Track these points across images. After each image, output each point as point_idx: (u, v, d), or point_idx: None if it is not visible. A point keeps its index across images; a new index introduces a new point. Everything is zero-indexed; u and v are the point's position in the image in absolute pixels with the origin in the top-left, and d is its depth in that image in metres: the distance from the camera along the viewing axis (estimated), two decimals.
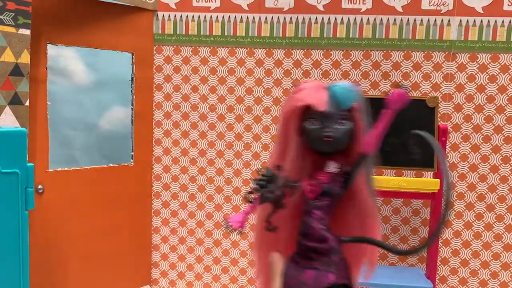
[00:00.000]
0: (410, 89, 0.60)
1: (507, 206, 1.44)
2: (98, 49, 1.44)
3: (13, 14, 1.09)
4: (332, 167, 0.60)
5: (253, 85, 1.50)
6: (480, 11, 1.40)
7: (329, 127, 0.58)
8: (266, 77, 1.50)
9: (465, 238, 1.46)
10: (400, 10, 1.42)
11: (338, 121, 0.58)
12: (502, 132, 1.42)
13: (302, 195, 0.61)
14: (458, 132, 1.44)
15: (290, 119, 0.61)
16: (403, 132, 1.28)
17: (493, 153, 1.43)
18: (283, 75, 1.49)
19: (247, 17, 1.48)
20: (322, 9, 1.45)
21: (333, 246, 0.57)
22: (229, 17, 1.49)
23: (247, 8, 1.48)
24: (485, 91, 1.42)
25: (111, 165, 1.46)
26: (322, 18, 1.46)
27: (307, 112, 0.60)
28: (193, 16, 1.50)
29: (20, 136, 0.87)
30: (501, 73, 1.41)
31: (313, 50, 1.47)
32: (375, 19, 1.44)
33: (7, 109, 1.09)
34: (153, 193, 1.56)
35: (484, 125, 1.43)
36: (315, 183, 0.59)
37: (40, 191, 1.29)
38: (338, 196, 0.60)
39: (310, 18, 1.46)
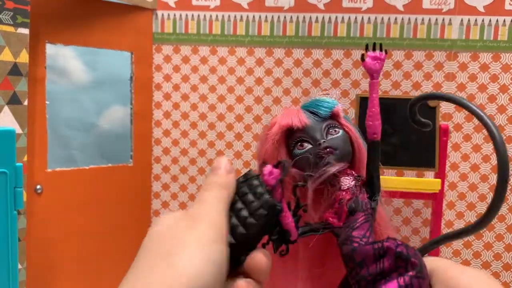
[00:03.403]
0: (382, 46, 0.43)
1: (508, 207, 1.43)
2: (97, 48, 1.43)
3: (12, 13, 1.09)
4: (346, 181, 0.47)
5: (253, 84, 1.50)
6: (482, 10, 1.39)
7: (323, 140, 0.47)
8: (266, 76, 1.49)
9: (466, 238, 1.46)
10: (401, 9, 1.42)
11: (329, 131, 0.48)
12: (504, 132, 1.41)
13: (327, 237, 0.48)
14: (460, 132, 1.43)
15: (274, 156, 0.49)
16: (404, 132, 1.27)
17: (494, 153, 1.42)
18: (283, 75, 1.48)
19: (247, 16, 1.48)
20: (322, 8, 1.45)
21: (401, 251, 0.42)
22: (229, 16, 1.48)
23: (247, 7, 1.47)
24: (487, 91, 1.41)
25: (110, 165, 1.45)
26: (323, 17, 1.45)
27: (291, 140, 0.49)
28: (192, 15, 1.49)
29: (9, 136, 0.86)
30: (502, 73, 1.40)
31: (314, 49, 1.46)
32: (376, 18, 1.43)
33: (6, 108, 1.09)
34: (153, 193, 1.56)
35: None
36: (337, 206, 0.47)
37: (39, 191, 1.28)
38: (372, 210, 0.48)
39: (310, 17, 1.45)
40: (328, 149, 0.47)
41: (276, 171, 0.39)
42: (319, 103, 0.49)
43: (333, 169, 0.47)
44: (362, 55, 0.46)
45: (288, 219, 0.41)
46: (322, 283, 0.50)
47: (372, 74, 0.46)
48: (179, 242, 0.32)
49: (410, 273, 0.41)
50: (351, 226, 0.46)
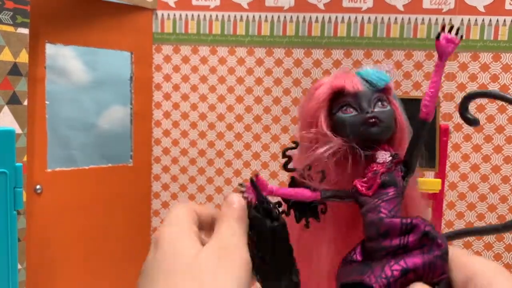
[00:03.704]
0: (462, 33, 0.42)
1: (508, 207, 1.43)
2: (97, 48, 1.43)
3: (12, 13, 1.09)
4: (384, 156, 0.47)
5: (253, 84, 1.50)
6: (482, 10, 1.39)
7: (371, 109, 0.47)
8: (266, 76, 1.49)
9: (467, 238, 1.45)
10: (401, 9, 1.42)
11: (377, 103, 0.48)
12: (504, 132, 1.41)
13: (350, 207, 0.48)
14: (460, 132, 1.43)
15: (316, 115, 0.48)
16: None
17: (494, 153, 1.42)
18: (283, 75, 1.48)
19: (247, 16, 1.47)
20: (322, 7, 1.45)
21: (429, 230, 0.42)
22: (229, 16, 1.48)
23: (247, 7, 1.47)
24: None
25: (110, 165, 1.45)
26: (323, 17, 1.45)
27: (336, 102, 0.49)
28: (192, 15, 1.49)
29: (8, 136, 0.86)
30: (502, 73, 1.40)
31: (314, 49, 1.46)
32: (376, 18, 1.43)
33: (5, 108, 1.09)
34: (152, 193, 1.55)
35: (485, 125, 1.42)
36: (370, 176, 0.46)
37: (39, 191, 1.28)
38: (402, 188, 0.47)
39: (310, 17, 1.45)
40: (373, 119, 0.47)
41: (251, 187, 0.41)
42: (375, 74, 0.49)
43: (322, 150, 0.46)
44: (438, 34, 0.46)
45: (305, 196, 0.44)
46: (347, 245, 0.50)
47: (441, 55, 0.46)
48: (211, 274, 0.33)
49: (436, 252, 0.40)
50: (380, 198, 0.46)
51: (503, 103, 0.46)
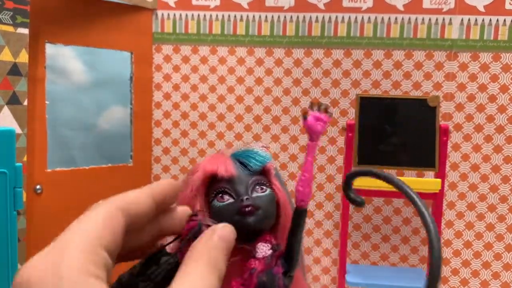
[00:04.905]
0: (330, 106, 0.38)
1: (508, 207, 1.43)
2: (97, 48, 1.43)
3: (11, 13, 1.09)
4: (263, 249, 0.43)
5: (253, 84, 1.50)
6: (482, 10, 1.39)
7: (246, 196, 0.43)
8: (266, 76, 1.49)
9: (466, 238, 1.45)
10: (401, 8, 1.42)
11: (255, 187, 0.44)
12: (504, 132, 1.41)
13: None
14: (460, 132, 1.43)
15: (191, 204, 0.44)
16: (405, 132, 1.27)
17: (494, 153, 1.42)
18: (283, 74, 1.48)
19: (247, 16, 1.47)
20: (322, 7, 1.44)
21: None
22: (229, 15, 1.48)
23: (247, 7, 1.47)
24: (487, 91, 1.41)
25: (110, 165, 1.45)
26: (323, 17, 1.45)
27: (212, 189, 0.44)
28: (192, 15, 1.49)
29: (9, 136, 0.86)
30: (502, 72, 1.40)
31: (314, 49, 1.46)
32: (376, 18, 1.43)
33: (5, 109, 1.09)
34: None
35: (485, 125, 1.42)
36: (246, 276, 0.42)
37: (39, 191, 1.28)
38: (286, 287, 0.43)
39: (310, 17, 1.45)
40: (249, 208, 0.43)
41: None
42: (251, 155, 0.46)
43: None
44: (305, 113, 0.43)
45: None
46: None
47: (312, 135, 0.43)
48: None
49: None
50: None
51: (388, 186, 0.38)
